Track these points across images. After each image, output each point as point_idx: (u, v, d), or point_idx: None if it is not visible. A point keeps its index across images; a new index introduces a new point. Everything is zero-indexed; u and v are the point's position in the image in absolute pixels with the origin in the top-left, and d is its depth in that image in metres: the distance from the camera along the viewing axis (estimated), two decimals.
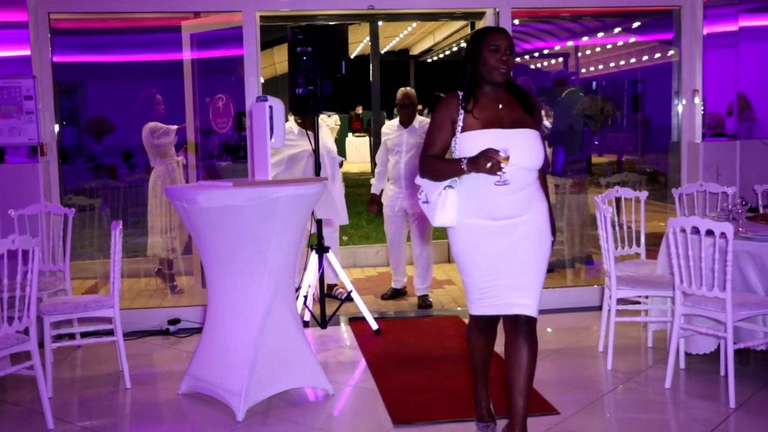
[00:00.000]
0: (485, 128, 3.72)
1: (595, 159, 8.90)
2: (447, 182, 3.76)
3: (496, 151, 3.49)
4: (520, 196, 3.75)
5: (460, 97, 3.81)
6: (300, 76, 6.10)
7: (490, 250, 3.78)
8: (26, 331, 4.50)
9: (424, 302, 7.23)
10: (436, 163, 3.78)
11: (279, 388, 4.79)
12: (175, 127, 7.47)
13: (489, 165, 3.51)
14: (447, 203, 3.77)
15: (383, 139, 7.37)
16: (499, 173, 3.53)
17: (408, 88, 7.38)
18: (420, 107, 19.32)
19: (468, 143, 3.70)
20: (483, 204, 3.74)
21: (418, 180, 3.91)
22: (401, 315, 6.94)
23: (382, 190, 7.55)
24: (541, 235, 3.84)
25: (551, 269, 7.89)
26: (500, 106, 3.80)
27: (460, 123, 3.75)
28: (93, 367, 5.69)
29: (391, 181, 7.32)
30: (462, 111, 3.77)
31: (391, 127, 7.38)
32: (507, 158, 3.49)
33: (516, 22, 6.97)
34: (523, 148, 3.69)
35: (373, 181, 7.58)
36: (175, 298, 7.40)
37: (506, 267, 3.78)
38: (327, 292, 7.10)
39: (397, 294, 7.60)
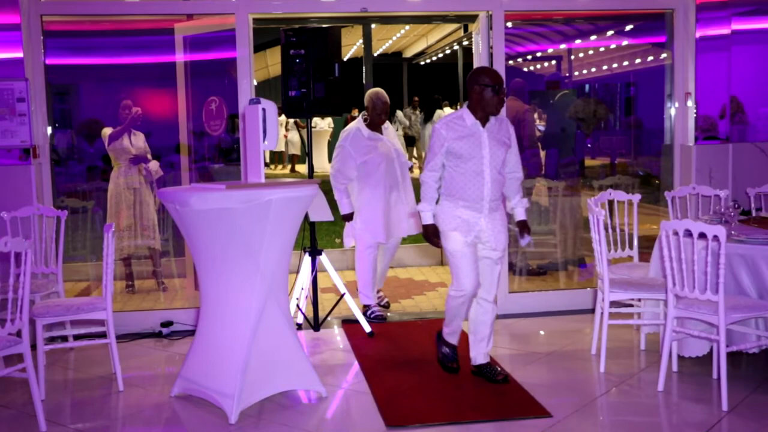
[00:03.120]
0: None
1: (588, 162, 8.91)
2: None
3: None
4: None
5: None
6: (293, 78, 6.10)
7: None
8: (19, 334, 4.49)
9: (501, 375, 5.16)
10: None
11: (272, 391, 4.79)
12: (108, 131, 7.45)
13: None
14: None
15: (441, 140, 4.94)
16: None
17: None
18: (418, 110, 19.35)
19: None
20: None
21: None
22: (394, 318, 6.93)
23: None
24: None
25: (543, 272, 7.90)
26: None
27: None
28: (85, 370, 5.68)
29: (457, 201, 4.96)
30: None
31: (456, 123, 4.95)
32: None
33: (509, 25, 6.98)
34: None
35: (422, 206, 5.05)
36: (167, 300, 7.39)
37: None
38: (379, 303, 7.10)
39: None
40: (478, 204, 4.91)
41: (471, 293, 4.95)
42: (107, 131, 7.41)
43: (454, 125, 4.93)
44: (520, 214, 5.18)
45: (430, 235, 5.05)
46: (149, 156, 7.57)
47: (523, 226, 5.17)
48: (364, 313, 6.69)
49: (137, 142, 7.49)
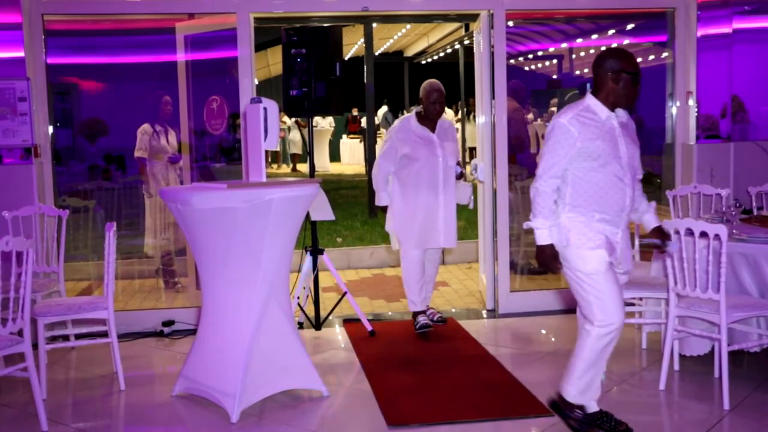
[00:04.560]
0: None
1: None
2: None
3: None
4: None
5: None
6: (294, 77, 6.11)
7: None
8: (20, 333, 4.49)
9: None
10: None
11: (273, 390, 4.79)
12: (146, 132, 7.45)
13: None
14: None
15: (571, 139, 3.98)
16: None
17: None
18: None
19: None
20: None
21: None
22: (395, 317, 6.93)
23: None
24: None
25: (544, 271, 7.89)
26: None
27: None
28: (87, 369, 5.68)
29: (591, 213, 4.05)
30: None
31: (587, 117, 4.02)
32: None
33: (510, 24, 6.97)
34: None
35: (539, 222, 4.07)
36: (169, 299, 7.39)
37: None
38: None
39: None
40: (617, 217, 4.08)
41: (621, 325, 4.04)
42: (144, 131, 7.40)
43: (585, 120, 4.00)
44: (653, 221, 4.36)
45: (550, 258, 4.08)
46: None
47: (661, 232, 4.38)
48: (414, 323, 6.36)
49: (173, 140, 7.52)
